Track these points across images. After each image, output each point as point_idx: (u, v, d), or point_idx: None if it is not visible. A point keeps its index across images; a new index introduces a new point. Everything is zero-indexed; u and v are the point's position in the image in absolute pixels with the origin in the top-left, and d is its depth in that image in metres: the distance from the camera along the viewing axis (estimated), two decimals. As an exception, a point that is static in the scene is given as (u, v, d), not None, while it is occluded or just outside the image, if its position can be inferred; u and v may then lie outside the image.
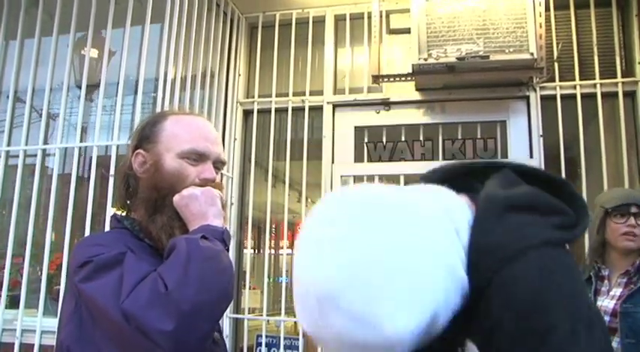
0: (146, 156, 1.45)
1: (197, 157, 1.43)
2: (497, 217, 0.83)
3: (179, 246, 1.25)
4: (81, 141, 3.27)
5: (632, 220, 2.39)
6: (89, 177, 3.13)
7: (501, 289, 0.77)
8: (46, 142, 3.42)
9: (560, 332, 0.74)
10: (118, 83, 3.15)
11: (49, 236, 3.10)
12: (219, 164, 1.49)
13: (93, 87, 3.57)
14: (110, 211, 2.94)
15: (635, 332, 2.23)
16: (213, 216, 1.37)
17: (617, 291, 2.38)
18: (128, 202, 1.48)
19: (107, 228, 2.84)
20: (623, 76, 3.47)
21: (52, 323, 3.01)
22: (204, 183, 1.42)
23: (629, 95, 3.46)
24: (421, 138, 3.72)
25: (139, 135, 1.50)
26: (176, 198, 1.38)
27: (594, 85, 3.47)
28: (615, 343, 2.26)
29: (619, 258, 2.45)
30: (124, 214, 1.49)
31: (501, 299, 0.77)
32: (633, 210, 2.41)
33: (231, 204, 3.83)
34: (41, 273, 3.10)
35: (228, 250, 1.35)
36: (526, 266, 0.78)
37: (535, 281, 0.77)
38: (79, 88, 3.73)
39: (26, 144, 3.37)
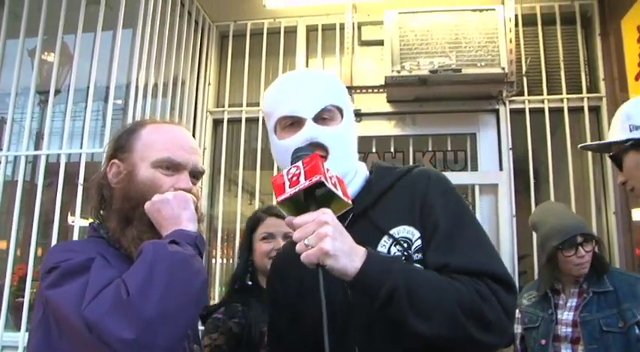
0: (121, 166, 1.40)
1: (172, 166, 1.38)
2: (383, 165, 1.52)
3: (145, 251, 1.19)
4: (40, 148, 3.16)
5: (580, 251, 2.46)
6: (49, 185, 3.03)
7: (419, 178, 1.38)
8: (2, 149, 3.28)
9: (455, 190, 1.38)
10: (88, 89, 3.07)
11: (12, 245, 2.98)
12: (197, 174, 1.44)
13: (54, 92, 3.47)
14: (78, 221, 2.87)
15: (595, 338, 2.35)
16: (187, 220, 1.30)
17: (572, 302, 2.50)
18: (102, 212, 1.43)
19: (75, 238, 2.81)
20: (588, 92, 3.60)
21: (14, 337, 2.90)
22: None
23: (594, 110, 3.58)
24: (392, 150, 3.75)
25: (115, 145, 1.44)
26: (147, 205, 1.32)
27: (561, 100, 3.59)
28: (580, 351, 2.39)
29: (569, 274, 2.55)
30: (98, 222, 1.44)
31: (420, 180, 1.37)
32: (579, 239, 2.47)
33: (200, 213, 3.75)
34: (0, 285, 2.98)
35: (201, 256, 1.28)
36: (421, 169, 1.42)
37: (432, 171, 1.42)
38: (39, 93, 3.63)
39: (-13, 151, 3.23)
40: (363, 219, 1.36)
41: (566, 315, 2.48)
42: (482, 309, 1.14)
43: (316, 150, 1.29)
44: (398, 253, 1.28)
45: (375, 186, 1.41)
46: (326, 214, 1.12)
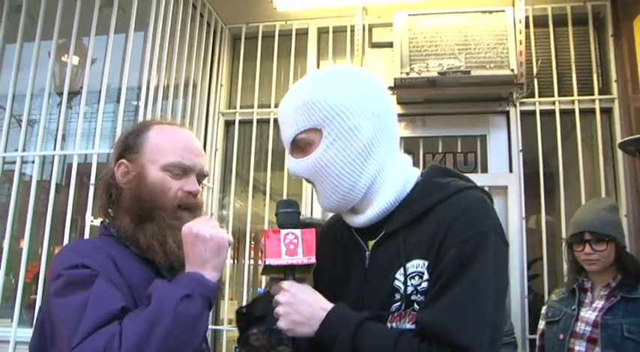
0: (129, 166, 1.43)
1: (181, 171, 1.42)
2: (437, 176, 1.37)
3: (154, 300, 1.18)
4: (58, 148, 3.22)
5: (587, 248, 2.48)
6: (68, 185, 3.08)
7: (454, 207, 1.24)
8: (24, 149, 3.36)
9: (488, 232, 1.22)
10: (100, 91, 3.12)
11: (26, 244, 3.04)
12: (201, 177, 1.48)
13: (73, 94, 3.54)
14: (89, 219, 2.92)
15: (614, 342, 2.32)
16: (212, 268, 1.27)
17: (599, 303, 2.47)
18: (110, 211, 1.47)
19: (86, 236, 2.86)
20: (600, 94, 3.56)
21: (27, 333, 2.95)
22: (187, 196, 1.41)
23: (606, 112, 3.54)
24: (402, 152, 3.73)
25: (122, 145, 1.48)
26: (185, 229, 1.30)
27: (572, 102, 3.55)
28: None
29: (598, 274, 2.54)
30: (110, 222, 1.47)
31: (453, 211, 1.24)
32: (586, 237, 2.49)
33: (211, 214, 3.82)
34: (16, 282, 3.04)
35: (210, 308, 1.27)
36: (462, 196, 1.26)
37: (470, 202, 1.25)
38: (59, 94, 3.71)
39: (5, 151, 3.31)
40: (393, 240, 1.31)
41: (589, 314, 2.46)
42: None
43: (308, 181, 1.37)
44: (411, 288, 1.24)
45: (418, 205, 1.31)
46: (281, 291, 1.26)
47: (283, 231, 1.27)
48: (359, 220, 1.36)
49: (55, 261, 1.33)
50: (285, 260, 1.25)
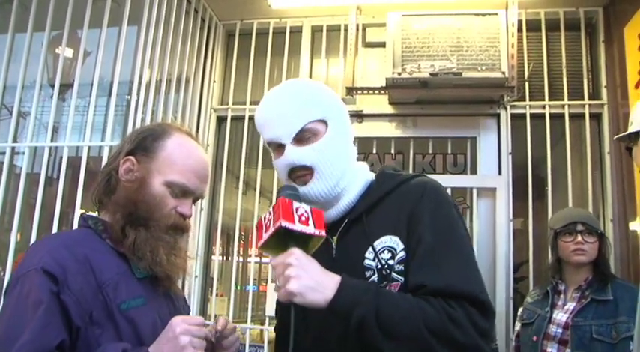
0: (135, 166, 1.43)
1: (181, 192, 1.43)
2: (388, 172, 1.52)
3: None
4: (52, 140, 3.21)
5: (579, 237, 2.59)
6: (58, 177, 3.07)
7: (414, 188, 1.41)
8: (15, 140, 3.35)
9: (451, 204, 1.40)
10: (92, 84, 3.12)
11: (14, 236, 3.03)
12: (196, 199, 1.51)
13: (66, 86, 3.53)
14: (79, 212, 2.91)
15: (584, 344, 2.41)
16: None
17: (570, 305, 2.56)
18: (103, 199, 1.47)
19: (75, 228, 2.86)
20: (589, 99, 3.58)
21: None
22: (179, 217, 1.43)
23: (595, 117, 3.56)
24: (392, 151, 3.77)
25: (138, 143, 1.47)
26: (174, 323, 1.26)
27: (562, 106, 3.58)
28: None
29: (573, 274, 2.65)
30: (91, 213, 1.49)
31: (414, 192, 1.40)
32: (579, 227, 2.62)
33: (201, 209, 3.83)
34: (4, 274, 3.03)
35: None
36: (420, 180, 1.44)
37: (430, 182, 1.43)
38: (52, 86, 3.69)
39: (-6, 142, 3.30)
40: (357, 225, 1.41)
41: (560, 316, 2.55)
42: (451, 332, 1.19)
43: (300, 172, 1.41)
44: (381, 262, 1.33)
45: (375, 193, 1.45)
46: (292, 255, 1.21)
47: (295, 203, 1.25)
48: (329, 215, 1.45)
49: (28, 255, 1.33)
50: (299, 227, 1.22)
